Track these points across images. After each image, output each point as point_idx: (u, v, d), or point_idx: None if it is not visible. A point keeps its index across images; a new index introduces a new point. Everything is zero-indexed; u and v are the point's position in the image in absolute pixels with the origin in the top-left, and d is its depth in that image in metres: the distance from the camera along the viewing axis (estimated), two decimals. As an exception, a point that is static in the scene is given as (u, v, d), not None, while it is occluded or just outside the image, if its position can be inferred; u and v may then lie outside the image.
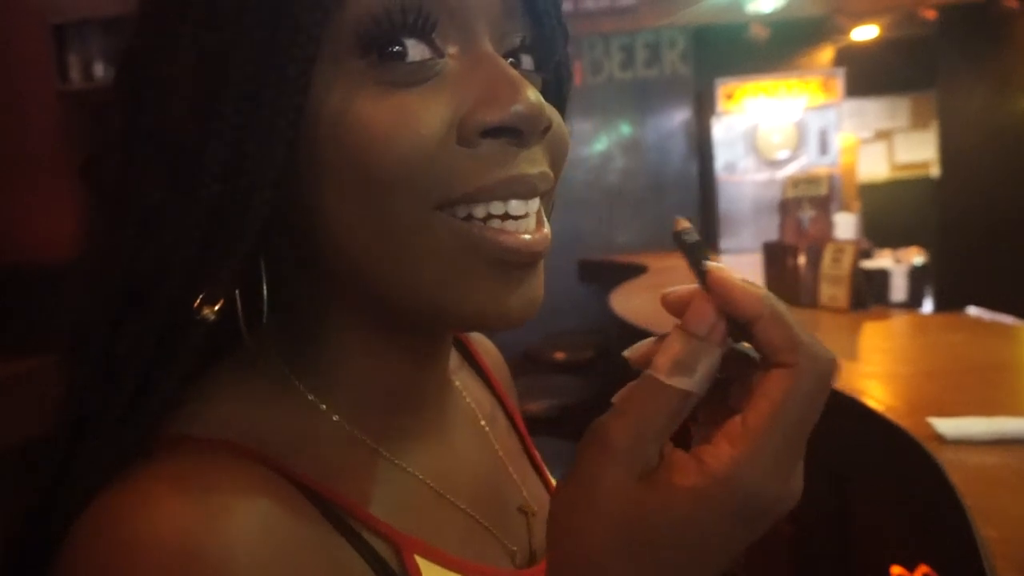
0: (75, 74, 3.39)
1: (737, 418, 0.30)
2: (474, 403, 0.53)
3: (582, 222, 4.39)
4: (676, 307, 0.33)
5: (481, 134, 0.35)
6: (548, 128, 0.36)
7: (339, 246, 0.36)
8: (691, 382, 0.31)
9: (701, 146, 4.68)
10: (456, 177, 0.35)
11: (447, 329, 0.43)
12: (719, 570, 0.32)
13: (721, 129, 4.70)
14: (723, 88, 4.85)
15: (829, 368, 0.30)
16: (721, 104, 4.84)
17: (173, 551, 0.30)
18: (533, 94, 0.35)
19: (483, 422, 0.52)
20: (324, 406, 0.40)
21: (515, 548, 0.47)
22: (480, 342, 0.59)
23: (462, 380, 0.53)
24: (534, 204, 0.37)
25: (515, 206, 0.36)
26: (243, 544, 0.31)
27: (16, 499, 0.38)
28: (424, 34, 0.35)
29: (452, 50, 0.36)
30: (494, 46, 0.37)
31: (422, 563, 0.39)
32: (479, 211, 0.35)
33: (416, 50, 0.35)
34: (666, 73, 4.53)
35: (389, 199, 0.34)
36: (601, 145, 4.54)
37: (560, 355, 3.24)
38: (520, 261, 0.36)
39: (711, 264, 0.31)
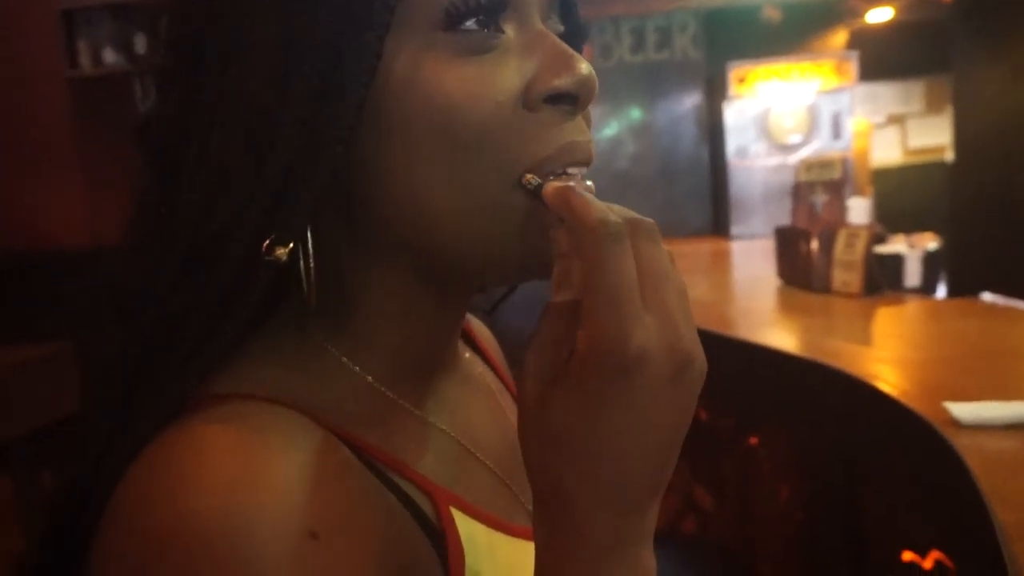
0: (84, 60, 3.38)
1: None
2: (484, 375, 0.55)
3: (592, 208, 4.36)
4: None
5: (545, 99, 0.38)
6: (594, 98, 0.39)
7: (408, 209, 0.38)
8: (571, 292, 0.34)
9: (712, 130, 4.65)
10: (527, 142, 0.37)
11: (497, 281, 0.44)
12: (652, 436, 0.33)
13: (733, 113, 4.66)
14: (735, 72, 4.80)
15: (619, 229, 0.33)
16: (733, 88, 4.80)
17: (230, 482, 0.31)
18: (587, 65, 0.38)
19: (494, 392, 0.54)
20: (357, 368, 0.42)
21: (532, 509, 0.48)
22: (474, 323, 0.60)
23: (469, 355, 0.55)
24: (583, 170, 0.40)
25: (572, 170, 0.39)
26: (298, 475, 0.33)
27: (65, 465, 0.39)
28: (493, 12, 0.38)
29: (509, 27, 0.39)
30: None
31: (456, 515, 0.41)
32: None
33: (484, 23, 0.38)
34: (677, 57, 4.49)
35: (474, 163, 0.37)
36: (611, 130, 4.51)
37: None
38: None
39: (548, 184, 0.36)
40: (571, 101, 0.38)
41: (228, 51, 0.37)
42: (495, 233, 0.38)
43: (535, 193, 0.37)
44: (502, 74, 0.37)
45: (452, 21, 0.37)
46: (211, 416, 0.35)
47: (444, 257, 0.39)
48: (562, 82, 0.38)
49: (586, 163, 0.39)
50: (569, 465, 0.33)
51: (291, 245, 0.35)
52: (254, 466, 0.32)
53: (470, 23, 0.37)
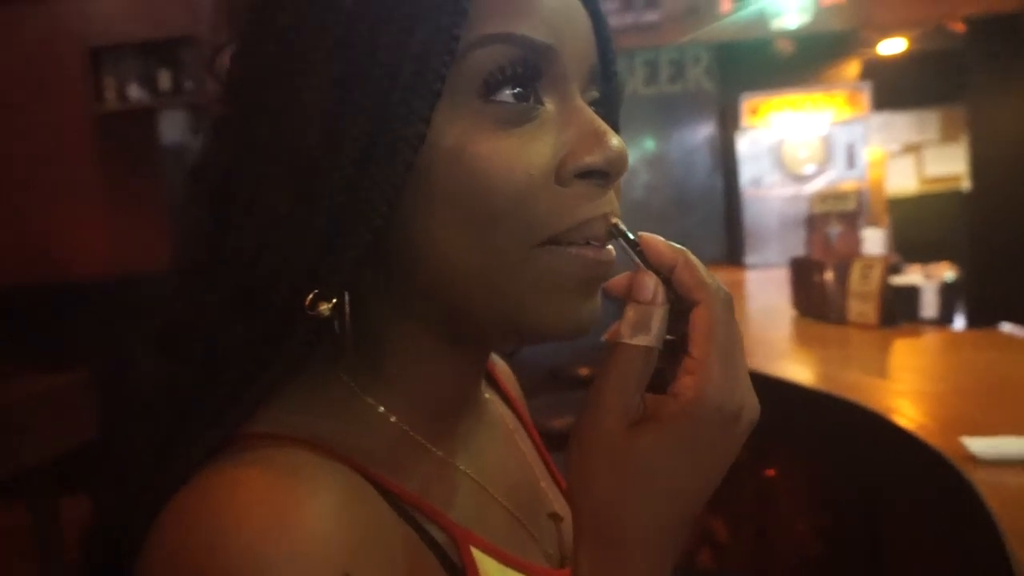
0: (110, 96, 3.47)
1: (687, 358, 0.37)
2: (503, 415, 0.56)
3: (606, 238, 4.37)
4: (620, 290, 0.39)
5: (576, 175, 0.39)
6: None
7: (436, 266, 0.39)
8: (649, 338, 0.37)
9: (726, 161, 4.66)
10: (553, 214, 0.39)
11: (521, 341, 0.46)
12: (715, 482, 0.37)
13: (746, 144, 4.68)
14: (748, 103, 4.83)
15: (728, 297, 0.38)
16: (746, 119, 4.82)
17: (267, 524, 0.32)
18: (619, 142, 0.40)
19: (512, 433, 0.55)
20: (382, 408, 0.43)
21: (550, 551, 0.50)
22: (497, 362, 0.61)
23: (490, 395, 0.56)
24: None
25: (594, 242, 0.41)
26: (331, 517, 0.34)
27: (102, 496, 0.41)
28: (532, 83, 0.40)
29: (548, 100, 0.40)
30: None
31: (477, 555, 0.42)
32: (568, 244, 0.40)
33: (524, 95, 0.39)
34: (690, 88, 4.53)
35: (499, 231, 0.38)
36: (625, 161, 4.53)
37: (585, 371, 3.23)
38: (596, 275, 0.41)
39: (642, 233, 0.39)
40: (602, 177, 0.40)
41: (283, 105, 0.38)
42: (512, 294, 0.39)
43: (623, 235, 0.39)
44: (537, 148, 0.39)
45: (490, 90, 0.38)
46: (248, 458, 0.36)
47: (466, 316, 0.40)
48: (593, 159, 0.39)
49: (605, 238, 0.41)
50: (643, 500, 0.36)
51: (334, 300, 0.36)
52: (289, 508, 0.33)
53: (508, 94, 0.38)
